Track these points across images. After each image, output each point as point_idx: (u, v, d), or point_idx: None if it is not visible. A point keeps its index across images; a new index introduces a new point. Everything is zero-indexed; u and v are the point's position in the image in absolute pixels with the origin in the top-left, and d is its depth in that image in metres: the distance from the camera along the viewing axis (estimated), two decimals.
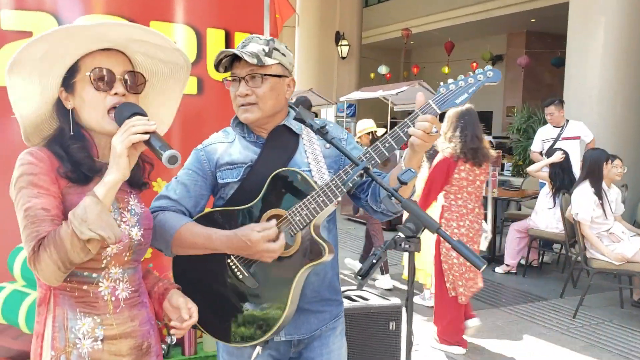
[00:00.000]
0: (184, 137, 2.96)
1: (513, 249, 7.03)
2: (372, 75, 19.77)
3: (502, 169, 10.95)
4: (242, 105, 1.95)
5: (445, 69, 18.34)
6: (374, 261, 1.70)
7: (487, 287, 6.44)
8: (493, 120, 18.28)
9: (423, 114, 1.81)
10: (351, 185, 1.80)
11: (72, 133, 1.60)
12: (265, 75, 1.93)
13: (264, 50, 1.94)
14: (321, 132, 1.85)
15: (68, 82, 1.61)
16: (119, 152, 1.46)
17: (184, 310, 1.73)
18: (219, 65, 1.96)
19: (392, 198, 1.81)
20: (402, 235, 1.72)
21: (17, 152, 1.63)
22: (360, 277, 1.72)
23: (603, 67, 8.00)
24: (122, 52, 1.65)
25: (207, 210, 2.04)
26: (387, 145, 1.83)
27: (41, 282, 1.60)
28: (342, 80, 15.03)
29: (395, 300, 3.30)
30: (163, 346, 3.06)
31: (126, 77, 1.62)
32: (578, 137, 7.17)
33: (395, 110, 11.32)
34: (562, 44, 10.32)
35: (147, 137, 1.48)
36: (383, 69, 18.18)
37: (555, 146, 6.94)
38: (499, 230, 7.96)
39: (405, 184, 1.72)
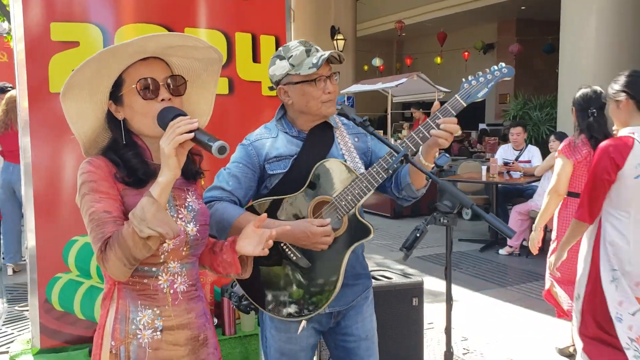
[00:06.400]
0: (216, 133, 3.21)
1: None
2: (365, 67, 19.99)
3: None
4: (329, 101, 2.15)
5: (438, 59, 18.60)
6: (418, 235, 1.97)
7: (493, 268, 6.75)
8: (486, 108, 18.56)
9: (451, 107, 2.07)
10: (391, 171, 2.04)
11: (124, 142, 1.70)
12: (337, 73, 2.19)
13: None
14: (363, 124, 2.11)
15: (116, 95, 1.69)
16: (167, 154, 1.53)
17: (256, 230, 1.79)
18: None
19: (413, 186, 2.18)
20: (441, 211, 1.98)
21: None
22: (405, 249, 1.99)
23: (597, 53, 8.24)
24: (159, 59, 1.73)
25: (258, 200, 2.21)
26: (420, 135, 2.08)
27: (107, 278, 1.73)
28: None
29: (416, 278, 3.56)
30: None
31: (168, 81, 1.70)
32: (529, 162, 7.86)
33: (394, 102, 11.57)
34: (552, 31, 10.57)
35: (192, 135, 1.55)
36: (377, 61, 18.39)
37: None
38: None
39: (442, 167, 1.98)
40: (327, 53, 2.10)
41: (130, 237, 1.51)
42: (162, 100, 1.68)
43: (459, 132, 2.04)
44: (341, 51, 15.25)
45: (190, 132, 1.54)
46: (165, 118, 1.62)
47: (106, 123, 1.74)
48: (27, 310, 3.61)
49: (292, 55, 2.13)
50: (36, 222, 3.10)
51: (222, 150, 1.53)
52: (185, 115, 1.62)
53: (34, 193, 3.09)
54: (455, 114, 2.08)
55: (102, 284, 3.17)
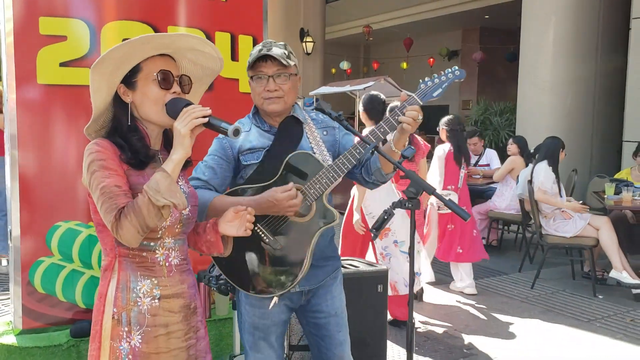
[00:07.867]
0: None
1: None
2: (333, 70, 20.27)
3: None
4: (269, 98, 2.34)
5: (404, 65, 18.97)
6: (385, 217, 2.20)
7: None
8: (449, 113, 18.99)
9: (409, 105, 2.29)
10: (355, 162, 2.26)
11: (129, 124, 1.86)
12: (289, 74, 2.38)
13: (284, 53, 2.35)
14: (338, 119, 2.34)
15: (130, 80, 1.85)
16: (183, 134, 1.71)
17: (237, 215, 2.02)
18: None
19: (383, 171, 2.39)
20: (406, 197, 2.21)
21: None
22: (375, 230, 2.22)
23: (554, 63, 8.66)
24: (172, 58, 1.91)
25: (235, 187, 2.39)
26: (382, 130, 2.30)
27: (107, 252, 1.88)
28: (307, 76, 15.44)
29: (381, 267, 3.80)
30: None
31: (180, 79, 1.91)
32: (488, 165, 8.21)
33: None
34: (514, 40, 10.96)
35: (206, 120, 1.73)
36: (344, 65, 18.68)
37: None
38: None
39: (408, 157, 2.21)
40: (261, 54, 2.31)
41: (145, 206, 1.66)
42: (174, 92, 1.86)
43: (421, 118, 2.26)
44: (309, 53, 15.57)
45: (204, 117, 1.74)
46: (176, 106, 1.80)
47: (111, 104, 1.89)
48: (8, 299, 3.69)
49: (252, 54, 2.35)
50: (21, 208, 3.23)
51: (236, 132, 1.74)
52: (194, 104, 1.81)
53: (20, 181, 3.22)
54: (421, 103, 2.30)
55: (83, 268, 3.36)
